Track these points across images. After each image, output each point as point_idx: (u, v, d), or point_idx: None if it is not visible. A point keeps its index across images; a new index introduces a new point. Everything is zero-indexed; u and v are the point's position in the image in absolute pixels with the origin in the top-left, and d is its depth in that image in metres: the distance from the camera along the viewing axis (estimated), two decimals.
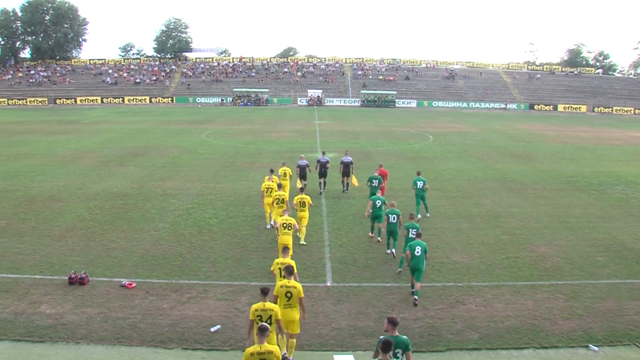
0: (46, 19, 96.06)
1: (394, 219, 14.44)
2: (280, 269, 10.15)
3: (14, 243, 15.22)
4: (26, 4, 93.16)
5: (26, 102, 79.12)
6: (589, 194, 23.08)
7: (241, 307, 11.34)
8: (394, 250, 14.64)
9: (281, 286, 9.22)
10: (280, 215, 13.94)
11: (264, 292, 8.47)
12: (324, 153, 23.10)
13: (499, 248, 15.52)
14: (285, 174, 19.66)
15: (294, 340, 9.38)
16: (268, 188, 17.04)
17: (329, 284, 12.69)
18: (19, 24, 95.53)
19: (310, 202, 15.85)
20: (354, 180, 21.55)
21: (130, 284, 12.33)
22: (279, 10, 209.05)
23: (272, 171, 18.37)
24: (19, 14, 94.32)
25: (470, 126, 53.88)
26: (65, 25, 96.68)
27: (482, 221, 18.34)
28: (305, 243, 15.55)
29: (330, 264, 13.93)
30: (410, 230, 13.15)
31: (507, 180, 25.79)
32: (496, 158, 32.51)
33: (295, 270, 9.90)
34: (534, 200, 21.68)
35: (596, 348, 9.96)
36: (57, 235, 15.99)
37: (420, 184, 18.31)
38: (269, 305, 8.39)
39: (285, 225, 13.24)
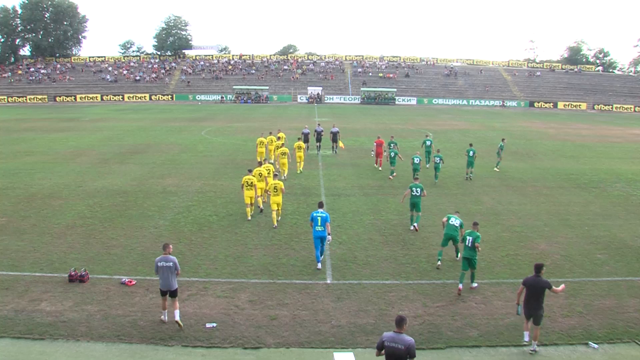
0: (46, 16, 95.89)
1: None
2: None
3: (14, 240, 15.22)
4: (26, 2, 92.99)
5: (26, 99, 79.09)
6: (589, 191, 23.08)
7: (241, 304, 11.35)
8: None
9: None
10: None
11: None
12: (319, 124, 33.81)
13: (499, 245, 15.53)
14: (280, 137, 27.69)
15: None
16: (261, 142, 25.85)
17: (328, 282, 12.69)
18: (19, 22, 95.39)
19: (304, 147, 25.71)
20: (340, 144, 30.70)
21: (130, 282, 12.34)
22: (279, 8, 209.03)
23: (270, 133, 27.53)
24: (19, 11, 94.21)
25: (470, 124, 53.85)
26: (65, 23, 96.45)
27: (482, 218, 18.27)
28: (302, 171, 24.87)
29: (330, 262, 13.92)
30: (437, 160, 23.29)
31: (507, 177, 25.80)
32: (496, 155, 32.40)
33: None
34: (533, 197, 21.68)
35: (596, 345, 9.97)
36: (57, 233, 15.99)
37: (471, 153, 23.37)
38: (252, 177, 17.08)
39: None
